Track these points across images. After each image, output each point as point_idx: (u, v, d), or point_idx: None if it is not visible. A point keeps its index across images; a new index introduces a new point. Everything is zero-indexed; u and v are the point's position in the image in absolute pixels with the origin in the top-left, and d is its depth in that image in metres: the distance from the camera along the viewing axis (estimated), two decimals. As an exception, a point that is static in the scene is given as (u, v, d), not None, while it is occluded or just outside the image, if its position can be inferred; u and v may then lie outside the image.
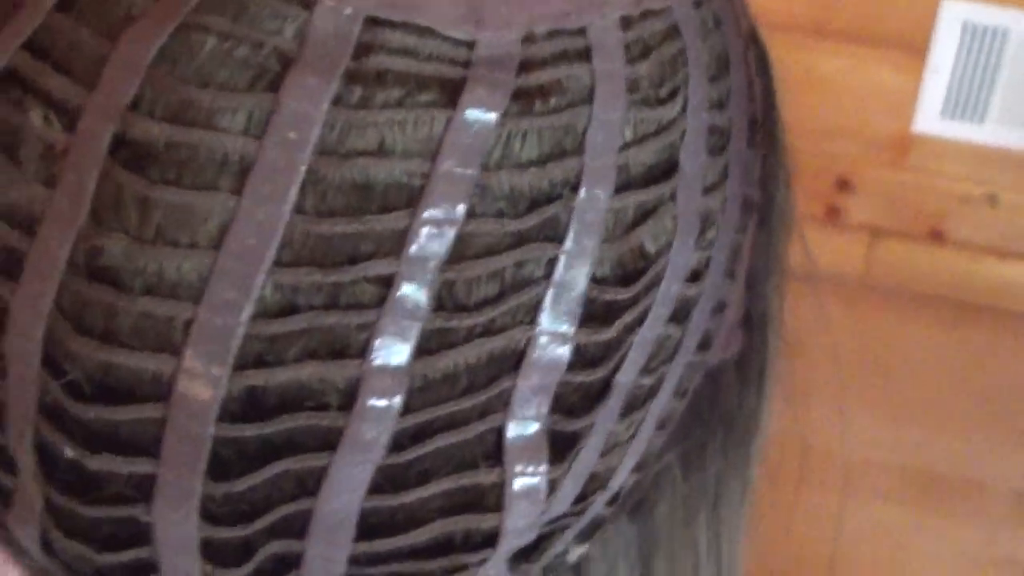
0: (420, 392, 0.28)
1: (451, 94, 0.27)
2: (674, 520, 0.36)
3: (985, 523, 1.53)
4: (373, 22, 0.27)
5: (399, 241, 0.27)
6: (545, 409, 0.29)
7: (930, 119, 1.68)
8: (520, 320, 0.29)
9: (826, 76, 1.69)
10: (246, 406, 0.27)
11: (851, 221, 1.75)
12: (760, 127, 0.35)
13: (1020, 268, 1.73)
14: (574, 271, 0.29)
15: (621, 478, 0.33)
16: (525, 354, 0.29)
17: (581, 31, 0.28)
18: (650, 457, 0.33)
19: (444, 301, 0.28)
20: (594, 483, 0.32)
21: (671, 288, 0.31)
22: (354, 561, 0.29)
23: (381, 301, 0.27)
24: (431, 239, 0.27)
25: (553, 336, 0.29)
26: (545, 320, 0.29)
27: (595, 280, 0.29)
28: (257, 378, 0.27)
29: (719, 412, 0.36)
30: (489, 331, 0.28)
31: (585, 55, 0.28)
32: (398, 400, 0.28)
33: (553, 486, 0.30)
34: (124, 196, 0.27)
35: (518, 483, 0.30)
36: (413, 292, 0.27)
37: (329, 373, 0.27)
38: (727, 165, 0.32)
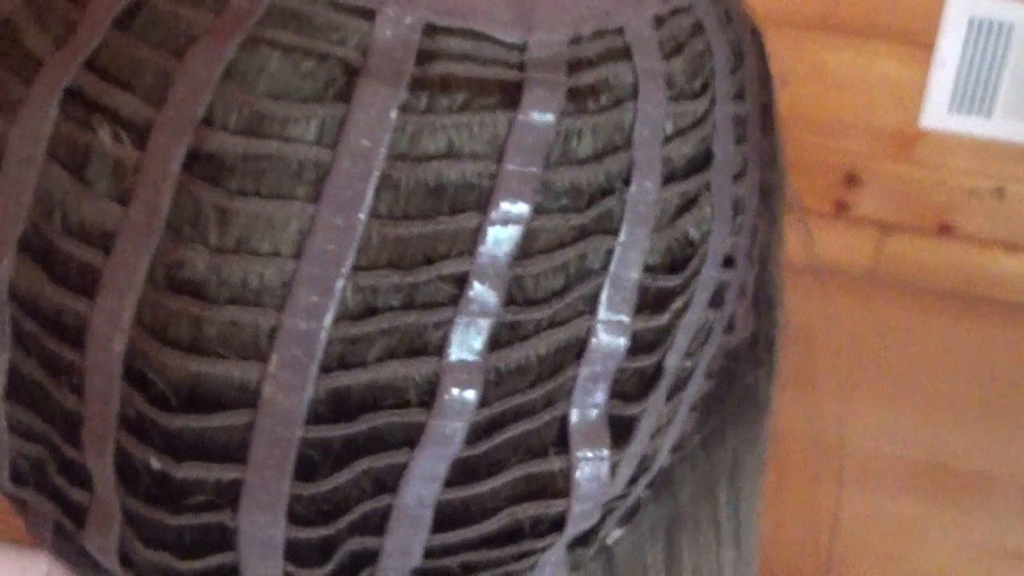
0: (494, 385, 0.29)
1: (511, 96, 0.28)
2: (697, 498, 0.38)
3: (994, 515, 1.53)
4: (431, 29, 0.28)
5: (471, 240, 0.28)
6: (605, 395, 0.30)
7: (937, 113, 1.69)
8: (581, 311, 0.29)
9: (833, 71, 1.69)
10: (331, 407, 0.28)
11: (859, 216, 1.75)
12: (770, 113, 0.36)
13: (1028, 261, 1.73)
14: (628, 261, 0.30)
15: (662, 459, 0.34)
16: (587, 343, 0.30)
17: (619, 31, 0.30)
18: (684, 438, 0.35)
19: (514, 295, 0.29)
20: (642, 465, 0.33)
21: (710, 273, 0.32)
22: (429, 553, 0.30)
23: (455, 299, 0.28)
24: (501, 236, 0.28)
25: (612, 324, 0.30)
26: (604, 309, 0.30)
27: (647, 269, 0.30)
28: (341, 379, 0.28)
29: (737, 391, 0.37)
30: (555, 323, 0.29)
31: (626, 54, 0.30)
32: (475, 394, 0.28)
33: (614, 469, 0.31)
34: (203, 209, 0.27)
35: (583, 468, 0.31)
36: (485, 288, 0.28)
37: (409, 371, 0.28)
38: (748, 152, 0.34)
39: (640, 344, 0.31)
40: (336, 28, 0.27)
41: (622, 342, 0.30)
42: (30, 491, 0.31)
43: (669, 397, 0.32)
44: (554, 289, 0.29)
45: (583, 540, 0.33)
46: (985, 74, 1.66)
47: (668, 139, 0.30)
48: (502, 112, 0.28)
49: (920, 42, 1.66)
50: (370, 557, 0.30)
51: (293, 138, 0.27)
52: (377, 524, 0.30)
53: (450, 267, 0.28)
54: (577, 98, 0.29)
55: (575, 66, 0.29)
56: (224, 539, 0.29)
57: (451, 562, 0.31)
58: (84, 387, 0.29)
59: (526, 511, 0.31)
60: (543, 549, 0.32)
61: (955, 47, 1.65)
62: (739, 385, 0.37)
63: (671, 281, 0.31)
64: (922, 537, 1.52)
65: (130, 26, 0.28)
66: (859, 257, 1.76)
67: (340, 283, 0.27)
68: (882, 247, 1.76)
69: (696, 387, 0.34)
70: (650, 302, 0.31)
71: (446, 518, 0.30)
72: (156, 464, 0.29)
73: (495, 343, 0.29)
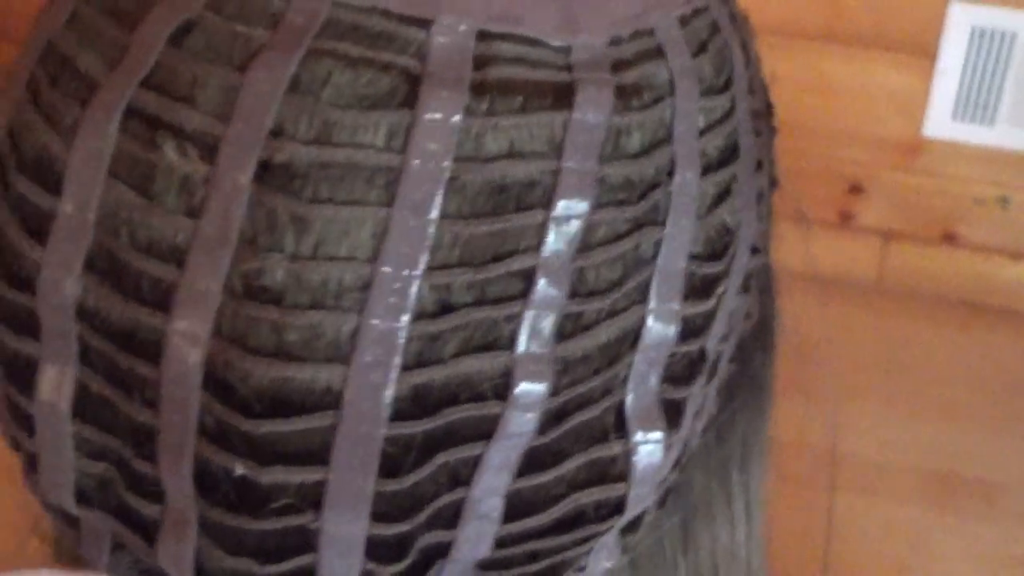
0: (560, 375, 0.30)
1: (565, 96, 0.29)
2: (711, 484, 0.38)
3: (1001, 523, 1.53)
4: (484, 36, 0.29)
5: (536, 235, 0.29)
6: (658, 380, 0.32)
7: (940, 122, 1.69)
8: (636, 300, 0.31)
9: (836, 81, 1.69)
10: (411, 404, 0.29)
11: (864, 225, 1.75)
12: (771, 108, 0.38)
13: (1033, 269, 1.73)
14: (675, 250, 0.31)
15: (695, 442, 0.35)
16: (641, 330, 0.31)
17: (651, 32, 0.31)
18: (711, 421, 0.36)
19: (577, 287, 0.30)
20: (686, 448, 0.34)
21: (743, 260, 0.34)
22: (498, 544, 0.31)
23: (524, 293, 0.29)
24: (564, 231, 0.29)
25: (663, 311, 0.31)
26: (655, 297, 0.31)
27: (692, 257, 0.32)
28: (421, 376, 0.29)
29: (746, 378, 0.38)
30: (613, 312, 0.30)
31: (659, 53, 0.31)
32: (546, 385, 0.30)
33: (667, 452, 0.33)
34: (279, 218, 0.28)
35: (640, 451, 0.32)
36: (551, 282, 0.29)
37: (483, 365, 0.29)
38: (762, 145, 0.35)
39: (688, 329, 0.32)
40: (394, 38, 0.29)
41: (673, 328, 0.31)
42: (94, 510, 0.31)
43: (707, 381, 0.34)
44: (612, 280, 0.30)
45: (632, 525, 0.34)
46: (988, 83, 1.67)
47: (702, 133, 0.32)
48: (557, 112, 0.29)
49: (923, 51, 1.66)
50: (443, 550, 0.31)
51: (363, 145, 0.28)
52: (451, 517, 0.30)
53: (518, 263, 0.29)
54: (623, 96, 0.30)
55: (617, 66, 0.30)
56: (305, 541, 0.30)
57: (518, 551, 0.32)
58: (160, 400, 0.29)
59: (590, 496, 0.32)
60: (603, 533, 0.33)
61: (958, 56, 1.66)
62: (747, 371, 0.38)
63: (714, 268, 0.32)
64: (929, 545, 1.52)
65: (185, 44, 0.29)
66: (864, 266, 1.77)
67: (416, 283, 0.28)
68: (887, 256, 1.76)
69: (723, 371, 0.35)
70: (696, 289, 0.32)
71: (515, 508, 0.31)
72: (240, 470, 0.29)
73: (560, 334, 0.30)
